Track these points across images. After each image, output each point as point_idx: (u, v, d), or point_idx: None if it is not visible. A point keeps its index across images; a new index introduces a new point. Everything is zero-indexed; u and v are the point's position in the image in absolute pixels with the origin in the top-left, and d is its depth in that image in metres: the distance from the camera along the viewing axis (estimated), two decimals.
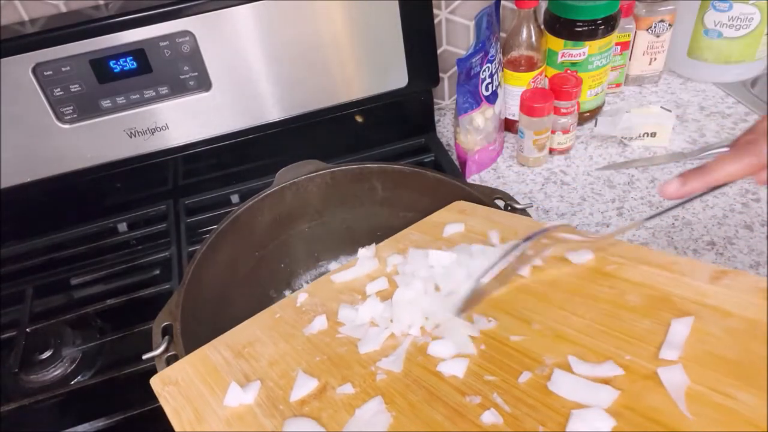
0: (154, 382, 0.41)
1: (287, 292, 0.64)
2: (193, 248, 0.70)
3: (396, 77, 0.76)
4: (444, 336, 0.39)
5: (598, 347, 0.32)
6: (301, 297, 0.49)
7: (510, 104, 0.82)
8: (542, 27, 0.79)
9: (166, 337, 0.47)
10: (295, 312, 0.48)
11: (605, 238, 0.42)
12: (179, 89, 0.69)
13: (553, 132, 0.78)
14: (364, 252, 0.52)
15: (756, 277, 0.33)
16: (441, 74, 0.89)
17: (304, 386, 0.38)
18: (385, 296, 0.45)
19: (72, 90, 0.65)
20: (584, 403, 0.29)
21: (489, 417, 0.31)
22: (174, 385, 0.41)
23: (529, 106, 0.74)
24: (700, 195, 0.39)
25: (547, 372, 0.32)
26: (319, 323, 0.45)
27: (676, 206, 0.41)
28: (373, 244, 0.54)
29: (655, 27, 0.84)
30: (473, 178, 0.79)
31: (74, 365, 0.61)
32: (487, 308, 0.40)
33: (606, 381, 0.30)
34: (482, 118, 0.75)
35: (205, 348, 0.44)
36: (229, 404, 0.38)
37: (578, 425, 0.28)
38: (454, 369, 0.36)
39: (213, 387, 0.40)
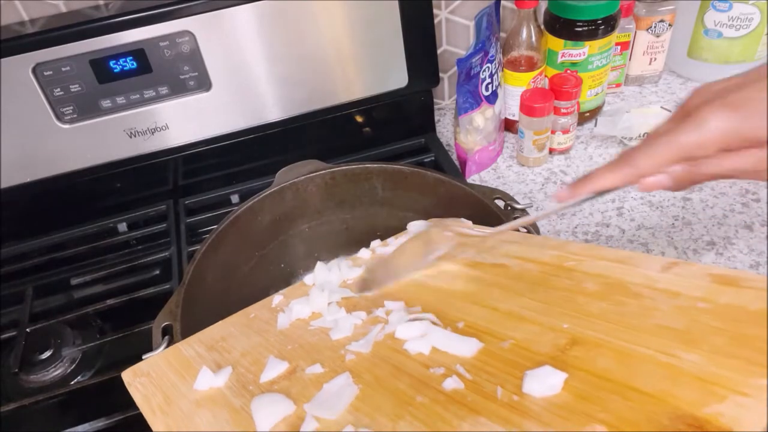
0: (126, 374, 0.42)
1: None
2: (193, 248, 0.70)
3: (396, 77, 0.76)
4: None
5: (554, 324, 0.35)
6: (276, 299, 0.51)
7: (510, 104, 0.82)
8: (542, 27, 0.79)
9: (166, 337, 0.47)
10: (270, 312, 0.49)
11: (500, 231, 0.46)
12: (179, 89, 0.69)
13: (553, 132, 0.78)
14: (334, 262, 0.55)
15: (706, 266, 0.34)
16: (441, 74, 0.89)
17: (275, 368, 0.39)
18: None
19: (72, 90, 0.65)
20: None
21: (450, 383, 0.33)
22: (145, 377, 0.41)
23: (529, 106, 0.74)
24: (591, 198, 0.42)
25: (507, 345, 0.35)
26: (287, 318, 0.47)
27: (558, 210, 0.44)
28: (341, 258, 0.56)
29: (655, 27, 0.84)
30: (473, 178, 0.79)
31: (74, 365, 0.61)
32: (458, 301, 0.41)
33: (560, 350, 0.32)
34: (482, 118, 0.75)
35: (179, 344, 0.45)
36: (200, 388, 0.39)
37: (533, 383, 0.30)
38: (420, 347, 0.37)
39: (184, 376, 0.41)
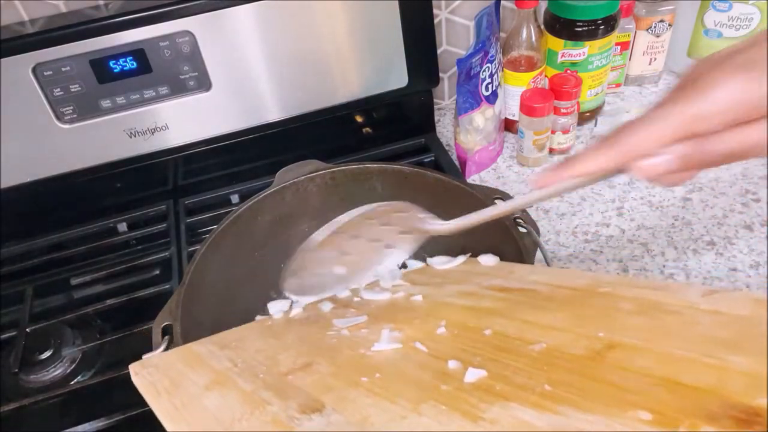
0: (134, 365, 0.41)
1: (287, 293, 0.64)
2: (193, 248, 0.70)
3: (396, 77, 0.76)
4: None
5: (589, 333, 0.33)
6: (295, 310, 0.51)
7: (510, 104, 0.82)
8: (542, 27, 0.79)
9: (166, 337, 0.47)
10: (287, 321, 0.49)
11: (455, 223, 0.43)
12: (179, 89, 0.69)
13: (553, 132, 0.78)
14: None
15: (748, 292, 0.33)
16: (441, 74, 0.89)
17: (290, 361, 0.38)
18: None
19: (72, 90, 0.65)
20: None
21: (474, 373, 0.32)
22: (153, 367, 0.41)
23: (529, 106, 0.74)
24: (578, 186, 0.36)
25: (538, 348, 0.34)
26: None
27: (537, 200, 0.39)
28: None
29: (655, 27, 0.84)
30: (473, 178, 0.79)
31: (74, 365, 0.61)
32: (485, 316, 0.40)
33: (597, 352, 0.31)
34: (482, 118, 0.75)
35: (191, 344, 0.45)
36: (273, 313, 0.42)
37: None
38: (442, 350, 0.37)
39: (194, 367, 0.40)
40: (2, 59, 0.61)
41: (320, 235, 0.47)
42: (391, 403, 0.31)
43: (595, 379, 0.29)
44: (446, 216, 0.46)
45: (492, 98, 0.75)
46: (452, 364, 0.34)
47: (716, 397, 0.25)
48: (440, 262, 0.54)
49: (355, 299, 0.50)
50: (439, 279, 0.51)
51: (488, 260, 0.51)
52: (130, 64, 0.65)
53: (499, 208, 0.41)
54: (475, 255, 0.54)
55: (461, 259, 0.53)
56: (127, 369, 0.56)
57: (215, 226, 0.57)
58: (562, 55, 0.79)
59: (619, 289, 0.38)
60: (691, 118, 0.31)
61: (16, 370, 0.59)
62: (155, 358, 0.43)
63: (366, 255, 0.50)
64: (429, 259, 0.56)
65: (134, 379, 0.40)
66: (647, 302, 0.35)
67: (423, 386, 0.33)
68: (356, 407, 0.31)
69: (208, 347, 0.44)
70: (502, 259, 0.54)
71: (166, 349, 0.47)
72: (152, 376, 0.39)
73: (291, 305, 0.53)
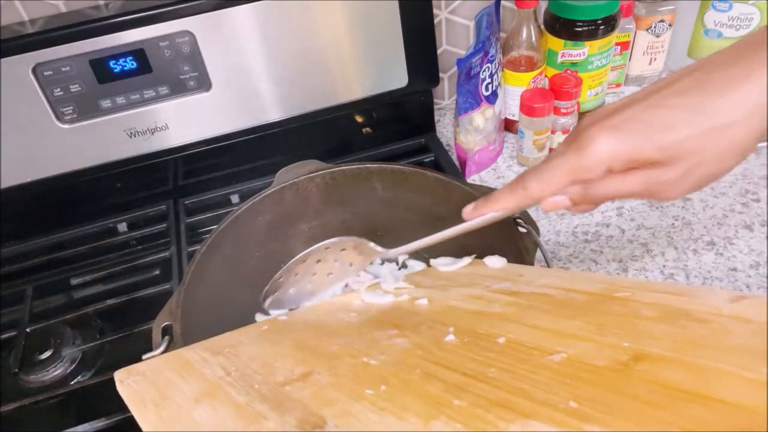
0: (120, 373, 0.39)
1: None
2: (193, 248, 0.70)
3: (396, 77, 0.76)
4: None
5: (612, 342, 0.31)
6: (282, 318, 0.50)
7: (510, 104, 0.82)
8: (542, 27, 0.79)
9: (166, 337, 0.47)
10: (285, 325, 0.47)
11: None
12: (179, 89, 0.69)
13: (553, 132, 0.78)
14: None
15: None
16: (441, 74, 0.89)
17: (287, 369, 0.36)
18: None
19: (72, 90, 0.65)
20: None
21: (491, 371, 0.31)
22: (140, 375, 0.38)
23: (529, 106, 0.74)
24: (498, 218, 0.43)
25: (558, 358, 0.31)
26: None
27: (468, 229, 0.45)
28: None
29: (655, 27, 0.84)
30: (473, 178, 0.79)
31: (74, 365, 0.61)
32: (496, 321, 0.38)
33: (623, 364, 0.29)
34: (482, 118, 0.75)
35: (181, 350, 0.43)
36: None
37: None
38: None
39: (184, 376, 0.37)
40: (2, 59, 0.61)
41: (291, 262, 0.51)
42: (398, 420, 0.29)
43: (622, 394, 0.27)
44: (446, 215, 0.48)
45: (492, 98, 0.75)
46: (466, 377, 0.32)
47: (759, 416, 0.22)
48: (444, 264, 0.53)
49: (356, 302, 0.50)
50: (444, 281, 0.50)
51: (495, 262, 0.50)
52: (130, 64, 0.65)
53: (441, 234, 0.47)
54: (479, 256, 0.53)
55: (466, 260, 0.52)
56: None
57: (215, 226, 0.57)
58: (562, 55, 0.79)
59: (637, 295, 0.36)
60: (574, 169, 0.37)
61: (16, 370, 0.59)
62: (142, 365, 0.40)
63: (329, 273, 0.53)
64: (432, 261, 0.55)
65: (119, 388, 0.37)
66: (670, 309, 0.33)
67: (433, 400, 0.30)
68: (361, 424, 0.29)
69: (200, 353, 0.41)
70: None
71: (166, 349, 0.47)
72: (138, 385, 0.37)
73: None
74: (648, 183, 0.36)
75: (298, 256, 0.51)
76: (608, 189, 0.38)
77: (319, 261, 0.52)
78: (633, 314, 0.34)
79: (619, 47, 0.84)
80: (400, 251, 0.50)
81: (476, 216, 0.44)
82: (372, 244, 0.51)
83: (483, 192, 0.56)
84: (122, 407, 0.54)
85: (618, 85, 0.90)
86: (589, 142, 0.36)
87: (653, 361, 0.28)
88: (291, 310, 0.53)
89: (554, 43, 0.79)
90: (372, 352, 0.37)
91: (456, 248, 0.55)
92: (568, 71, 0.79)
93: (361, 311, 0.47)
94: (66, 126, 0.67)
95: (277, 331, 0.46)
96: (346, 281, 0.54)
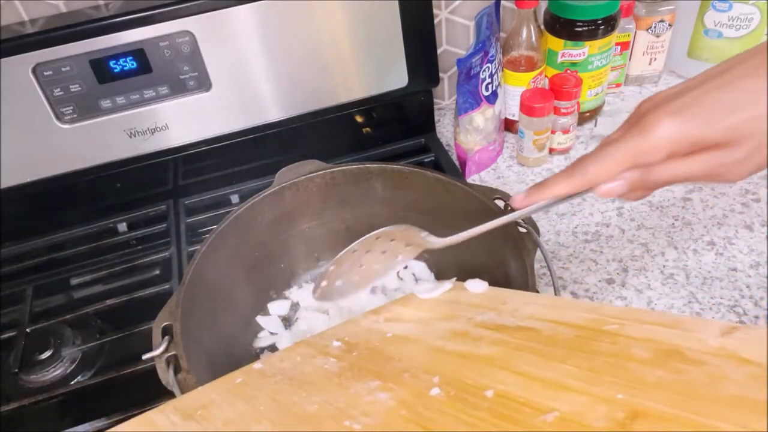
0: None
1: (287, 292, 0.64)
2: (193, 248, 0.70)
3: (396, 77, 0.76)
4: None
5: (606, 395, 0.30)
6: (257, 366, 0.46)
7: (510, 104, 0.82)
8: (542, 27, 0.79)
9: (166, 337, 0.47)
10: (260, 376, 0.44)
11: (451, 239, 0.46)
12: (179, 89, 0.69)
13: (553, 132, 0.78)
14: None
15: None
16: (441, 74, 0.89)
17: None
18: None
19: (72, 90, 0.65)
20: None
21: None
22: None
23: (528, 106, 0.74)
24: (550, 205, 0.42)
25: (551, 419, 0.29)
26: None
27: (517, 217, 0.45)
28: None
29: (655, 27, 0.84)
30: (473, 178, 0.79)
31: (74, 365, 0.61)
32: (484, 366, 0.37)
33: (620, 424, 0.28)
34: (482, 118, 0.75)
35: (151, 412, 0.41)
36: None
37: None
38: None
39: None
40: (2, 59, 0.62)
41: (343, 253, 0.49)
42: None
43: None
44: (445, 218, 0.49)
45: (492, 98, 0.75)
46: None
47: None
48: (425, 290, 0.51)
49: (335, 343, 0.47)
50: (426, 312, 0.48)
51: (476, 286, 0.48)
52: (130, 64, 0.65)
53: (489, 224, 0.46)
54: (468, 268, 0.52)
55: (447, 285, 0.50)
56: (127, 369, 0.56)
57: (215, 226, 0.57)
58: (562, 55, 0.79)
59: (627, 328, 0.35)
60: (636, 153, 0.38)
61: (16, 370, 0.59)
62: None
63: (378, 263, 0.51)
64: (414, 287, 0.54)
65: None
66: (663, 348, 0.32)
67: None
68: None
69: (170, 417, 0.39)
70: (501, 261, 0.54)
71: (166, 349, 0.47)
72: None
73: (288, 312, 0.52)
74: (711, 165, 0.37)
75: (350, 246, 0.48)
76: (669, 173, 0.38)
77: (368, 251, 0.50)
78: (625, 355, 0.32)
79: (619, 47, 0.84)
80: (447, 242, 0.48)
81: (529, 203, 0.43)
82: (423, 234, 0.49)
83: (483, 192, 0.57)
84: (122, 407, 0.55)
85: (618, 85, 0.90)
86: (651, 126, 0.37)
87: (652, 420, 0.27)
88: (338, 299, 0.52)
89: (554, 43, 0.79)
90: (354, 413, 0.35)
91: (457, 251, 0.55)
92: (568, 71, 0.79)
93: (339, 356, 0.44)
94: (66, 126, 0.67)
95: (251, 385, 0.42)
96: (393, 272, 0.53)
